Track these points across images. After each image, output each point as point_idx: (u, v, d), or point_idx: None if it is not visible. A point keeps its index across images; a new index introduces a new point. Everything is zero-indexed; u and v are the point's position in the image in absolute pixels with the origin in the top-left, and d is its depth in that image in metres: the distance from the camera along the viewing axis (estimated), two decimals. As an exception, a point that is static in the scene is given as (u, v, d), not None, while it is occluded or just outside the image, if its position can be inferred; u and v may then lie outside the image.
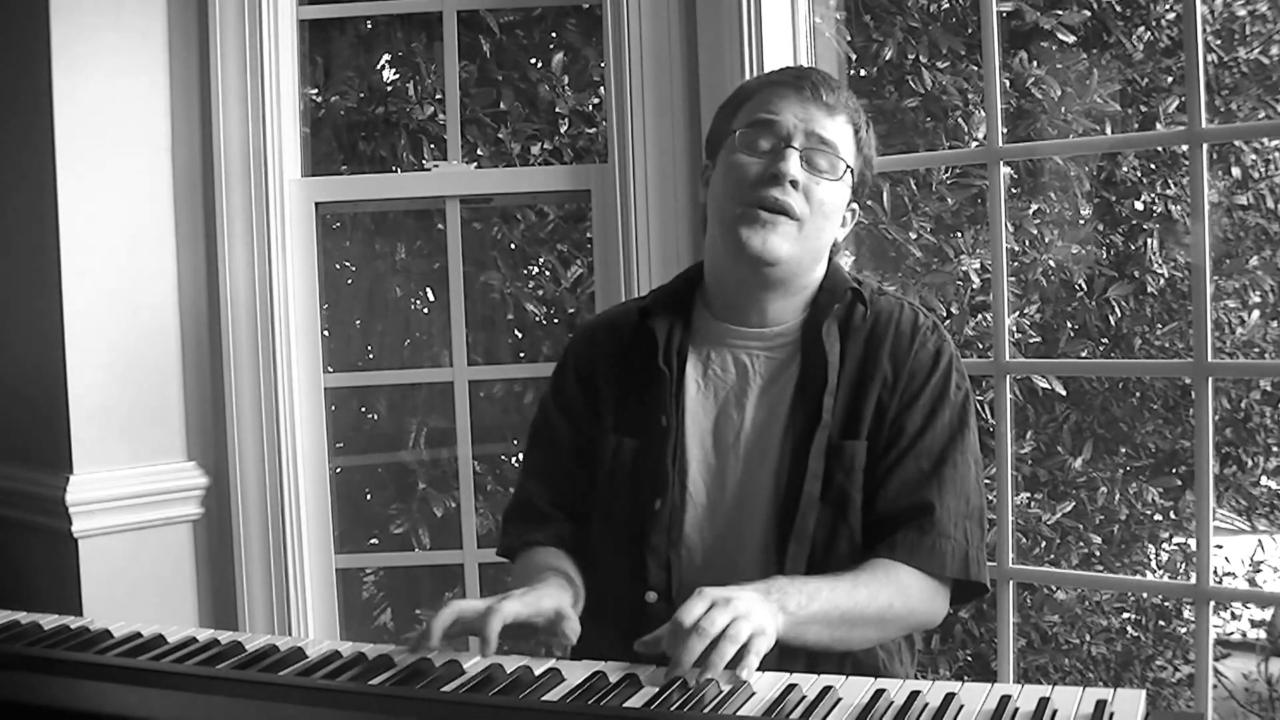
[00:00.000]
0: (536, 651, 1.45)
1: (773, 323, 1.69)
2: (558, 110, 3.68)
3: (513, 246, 3.79)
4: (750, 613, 1.36)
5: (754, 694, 1.28)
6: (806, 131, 1.62)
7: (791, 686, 1.27)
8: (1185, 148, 2.67)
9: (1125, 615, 4.12)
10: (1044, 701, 1.20)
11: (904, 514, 1.59)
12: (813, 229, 1.63)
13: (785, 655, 1.50)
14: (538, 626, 1.45)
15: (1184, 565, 4.14)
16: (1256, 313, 4.07)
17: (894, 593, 1.54)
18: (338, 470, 2.78)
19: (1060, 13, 3.87)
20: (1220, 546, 4.30)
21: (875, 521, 1.61)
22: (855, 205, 1.73)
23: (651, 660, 1.36)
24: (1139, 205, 4.06)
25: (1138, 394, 4.17)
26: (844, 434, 1.63)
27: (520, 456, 3.73)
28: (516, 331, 3.90)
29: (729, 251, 1.66)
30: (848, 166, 1.64)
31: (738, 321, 1.70)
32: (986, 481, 3.69)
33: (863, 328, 1.67)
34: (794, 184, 1.60)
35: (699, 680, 1.28)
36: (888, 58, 3.82)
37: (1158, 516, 4.15)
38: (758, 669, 1.33)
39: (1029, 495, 3.86)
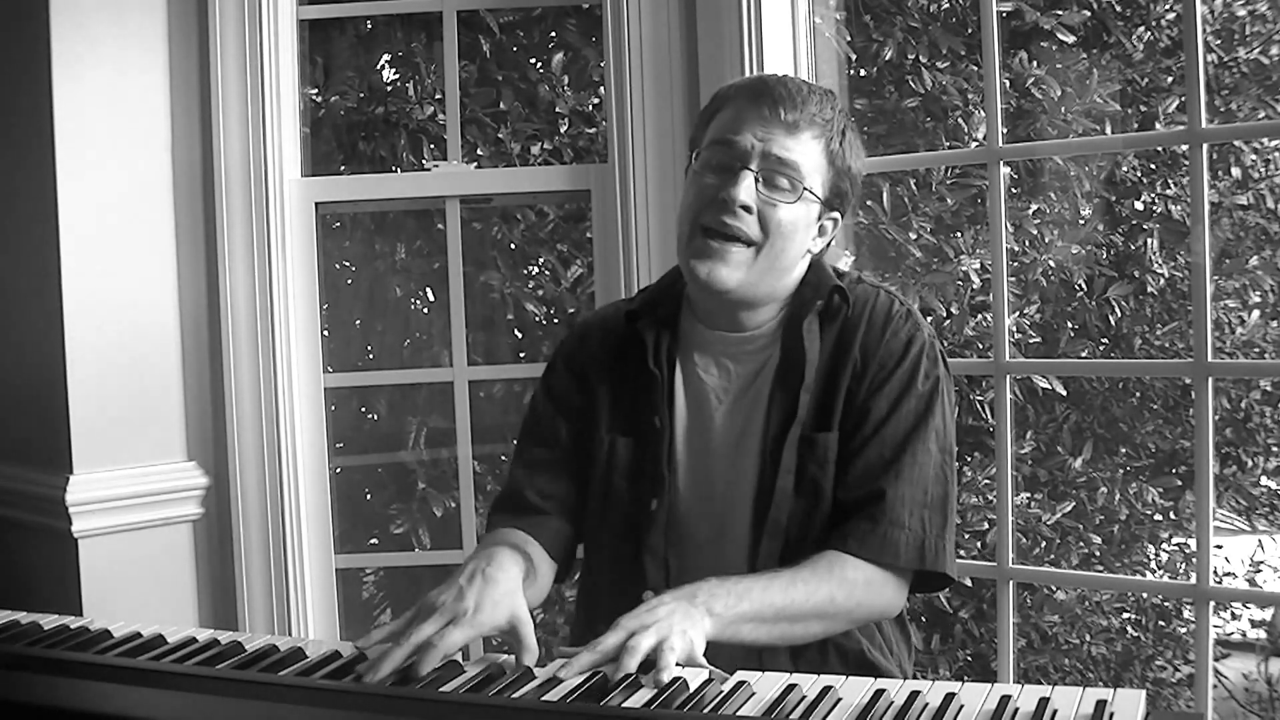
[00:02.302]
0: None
1: (751, 327, 1.69)
2: (558, 110, 3.69)
3: (513, 246, 3.79)
4: (672, 628, 1.36)
5: (754, 694, 1.28)
6: (764, 153, 1.59)
7: (791, 686, 1.27)
8: (1185, 148, 2.67)
9: (1125, 615, 4.12)
10: (1044, 702, 1.20)
11: (858, 503, 1.60)
12: (771, 251, 1.61)
13: (768, 652, 1.52)
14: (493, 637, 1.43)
15: (1184, 565, 4.14)
16: (1256, 313, 4.07)
17: (835, 586, 1.54)
18: (338, 470, 2.78)
19: (1060, 13, 3.86)
20: (1220, 546, 4.30)
21: (834, 508, 1.62)
22: (837, 214, 1.69)
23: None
24: (1139, 205, 4.06)
25: (1138, 394, 4.17)
26: (817, 426, 1.63)
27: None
28: (516, 331, 3.90)
29: (685, 277, 1.67)
30: (806, 189, 1.61)
31: (718, 327, 1.70)
32: (986, 481, 3.68)
33: (839, 318, 1.67)
34: (746, 208, 1.59)
35: (655, 680, 1.29)
36: (888, 58, 3.82)
37: (1158, 516, 4.15)
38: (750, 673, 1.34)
39: (1029, 495, 3.86)
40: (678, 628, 1.37)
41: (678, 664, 1.32)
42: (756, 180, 1.59)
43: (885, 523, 1.57)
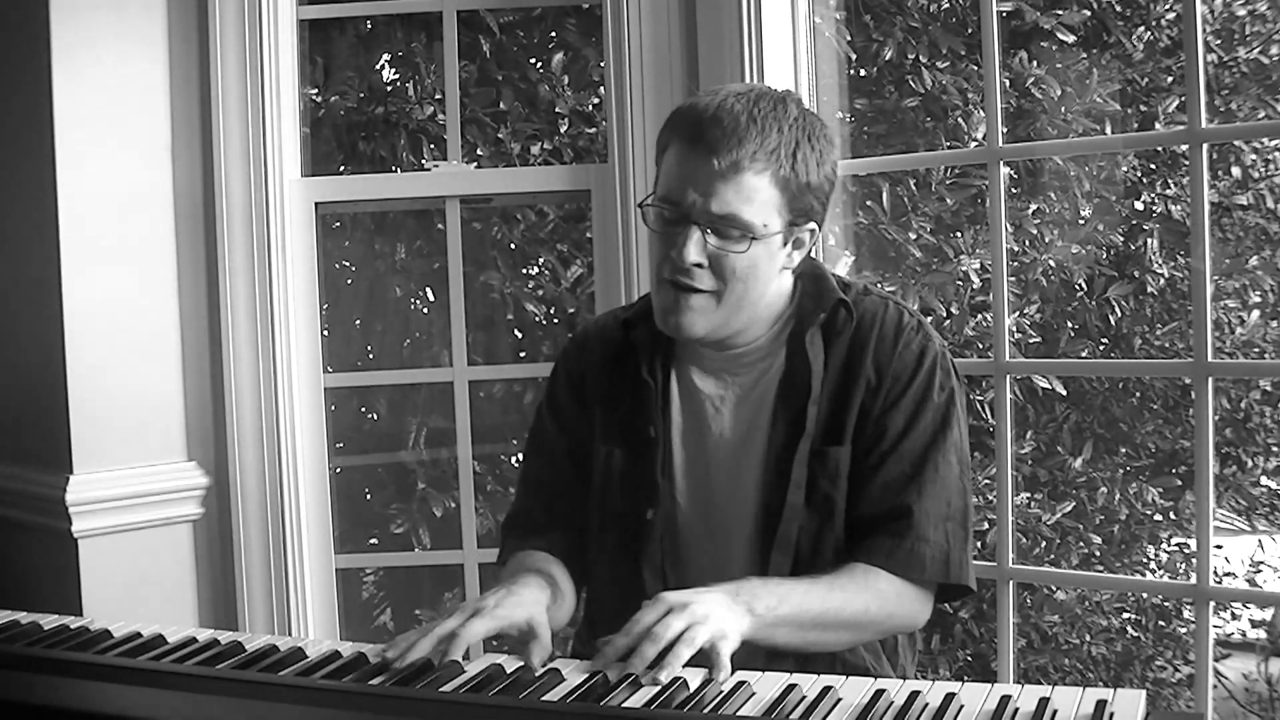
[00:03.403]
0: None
1: (744, 344, 1.68)
2: (558, 110, 3.68)
3: (513, 246, 3.79)
4: (709, 616, 1.36)
5: (754, 694, 1.28)
6: (705, 209, 1.55)
7: (791, 686, 1.28)
8: (1185, 148, 2.67)
9: (1125, 615, 4.12)
10: (1044, 702, 1.20)
11: (883, 517, 1.59)
12: (732, 295, 1.59)
13: (774, 656, 1.50)
14: (512, 636, 1.44)
15: (1184, 565, 4.14)
16: (1256, 313, 4.06)
17: (870, 597, 1.54)
18: (338, 470, 2.78)
19: (1060, 13, 3.86)
20: (1220, 546, 4.30)
21: (855, 524, 1.61)
22: (812, 225, 1.64)
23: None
24: (1139, 205, 4.06)
25: (1138, 394, 4.17)
26: (827, 440, 1.62)
27: (520, 457, 3.74)
28: (516, 331, 3.90)
29: (659, 325, 1.65)
30: (753, 238, 1.56)
31: (711, 345, 1.69)
32: (986, 481, 3.68)
33: (846, 331, 1.66)
34: (698, 264, 1.57)
35: (654, 679, 1.29)
36: (888, 58, 3.82)
37: (1158, 516, 4.15)
38: (733, 669, 1.35)
39: (1029, 495, 3.86)
40: (715, 617, 1.36)
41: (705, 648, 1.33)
42: (705, 232, 1.56)
43: (911, 537, 1.57)
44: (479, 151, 3.61)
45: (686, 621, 1.34)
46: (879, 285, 3.32)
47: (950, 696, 1.23)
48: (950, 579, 1.59)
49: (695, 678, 1.32)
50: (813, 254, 1.73)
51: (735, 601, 1.41)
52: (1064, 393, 3.91)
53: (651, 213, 1.62)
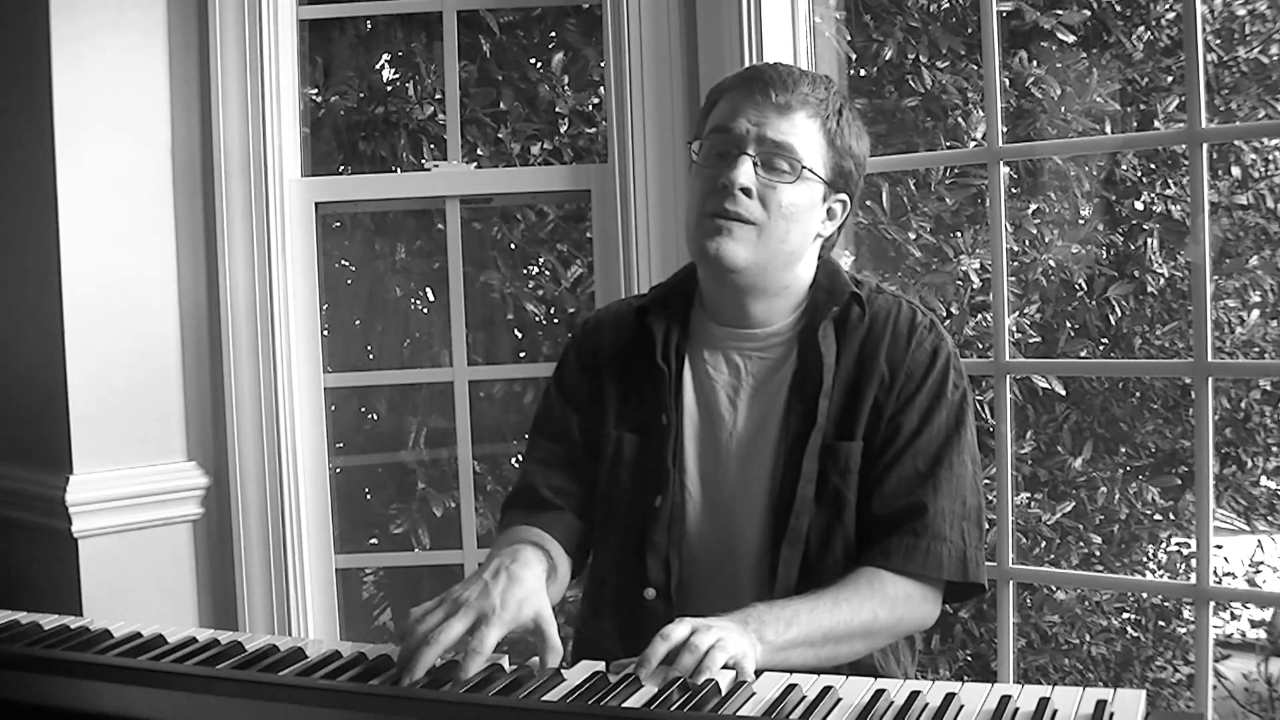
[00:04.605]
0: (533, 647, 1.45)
1: (762, 324, 1.69)
2: (558, 110, 3.68)
3: (513, 246, 3.79)
4: (731, 638, 1.36)
5: (754, 694, 1.28)
6: (759, 137, 1.60)
7: (791, 686, 1.28)
8: (1185, 148, 2.67)
9: (1125, 615, 4.12)
10: (1044, 701, 1.20)
11: (898, 516, 1.59)
12: (775, 233, 1.61)
13: None
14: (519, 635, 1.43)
15: (1184, 565, 4.14)
16: (1256, 313, 4.07)
17: (878, 605, 1.54)
18: (338, 470, 2.78)
19: (1060, 12, 3.86)
20: (1220, 546, 4.30)
21: (870, 523, 1.61)
22: (844, 197, 1.69)
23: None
24: (1139, 205, 4.06)
25: (1138, 394, 4.17)
26: (839, 435, 1.63)
27: (520, 457, 3.74)
28: (516, 331, 3.90)
29: (696, 259, 1.68)
30: (804, 167, 1.61)
31: (729, 323, 1.70)
32: (986, 481, 3.70)
33: (859, 328, 1.67)
34: (746, 191, 1.59)
35: (693, 683, 1.28)
36: (888, 58, 3.82)
37: (1158, 516, 4.15)
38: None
39: (1029, 495, 3.86)
40: (736, 637, 1.36)
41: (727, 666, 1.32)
42: (755, 165, 1.60)
43: (928, 537, 1.57)
44: (479, 151, 3.61)
45: (715, 637, 1.34)
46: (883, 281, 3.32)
47: (950, 696, 1.23)
48: (968, 578, 1.60)
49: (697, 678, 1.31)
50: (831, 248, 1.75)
51: (745, 631, 1.40)
52: (1064, 393, 3.91)
53: (702, 145, 1.65)
